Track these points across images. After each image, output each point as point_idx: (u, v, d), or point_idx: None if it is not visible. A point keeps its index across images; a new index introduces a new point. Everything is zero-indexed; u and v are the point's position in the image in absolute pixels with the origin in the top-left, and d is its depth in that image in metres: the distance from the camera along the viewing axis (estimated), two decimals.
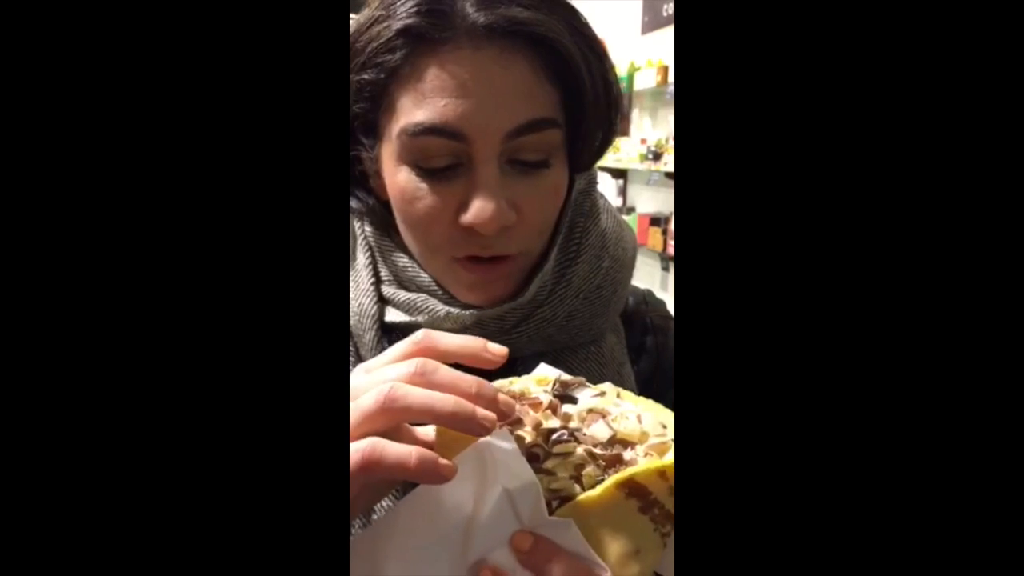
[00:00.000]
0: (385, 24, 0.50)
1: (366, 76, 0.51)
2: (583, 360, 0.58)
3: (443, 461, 0.36)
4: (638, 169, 3.88)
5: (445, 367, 0.38)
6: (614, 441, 0.40)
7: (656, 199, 4.00)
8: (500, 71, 0.49)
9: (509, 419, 0.40)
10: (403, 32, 0.49)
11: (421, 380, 0.37)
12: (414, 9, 0.49)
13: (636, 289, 0.69)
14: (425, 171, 0.50)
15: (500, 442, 0.39)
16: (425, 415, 0.36)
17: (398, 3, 0.50)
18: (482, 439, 0.39)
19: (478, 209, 0.49)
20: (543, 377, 0.45)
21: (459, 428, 0.37)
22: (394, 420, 0.36)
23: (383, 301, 0.58)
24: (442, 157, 0.50)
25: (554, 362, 0.49)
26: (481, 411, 0.36)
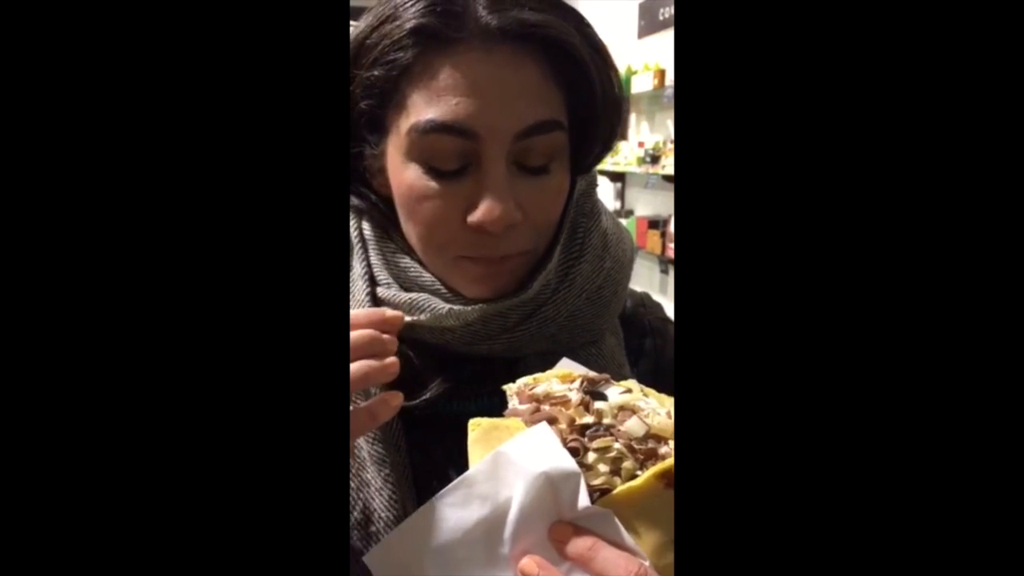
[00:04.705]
0: (396, 23, 0.52)
1: (376, 73, 0.53)
2: (584, 361, 0.58)
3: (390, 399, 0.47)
4: (636, 172, 3.89)
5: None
6: (648, 436, 0.41)
7: (654, 202, 4.01)
8: (511, 72, 0.51)
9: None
10: (416, 31, 0.51)
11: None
12: (427, 9, 0.51)
13: (634, 292, 0.70)
14: (435, 171, 0.52)
15: (542, 434, 0.40)
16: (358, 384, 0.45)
17: (408, 3, 0.52)
18: (521, 433, 0.41)
19: (487, 209, 0.51)
20: (566, 373, 0.46)
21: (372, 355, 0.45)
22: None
23: (379, 305, 0.59)
24: (452, 156, 0.51)
25: (555, 363, 0.50)
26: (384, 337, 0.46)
